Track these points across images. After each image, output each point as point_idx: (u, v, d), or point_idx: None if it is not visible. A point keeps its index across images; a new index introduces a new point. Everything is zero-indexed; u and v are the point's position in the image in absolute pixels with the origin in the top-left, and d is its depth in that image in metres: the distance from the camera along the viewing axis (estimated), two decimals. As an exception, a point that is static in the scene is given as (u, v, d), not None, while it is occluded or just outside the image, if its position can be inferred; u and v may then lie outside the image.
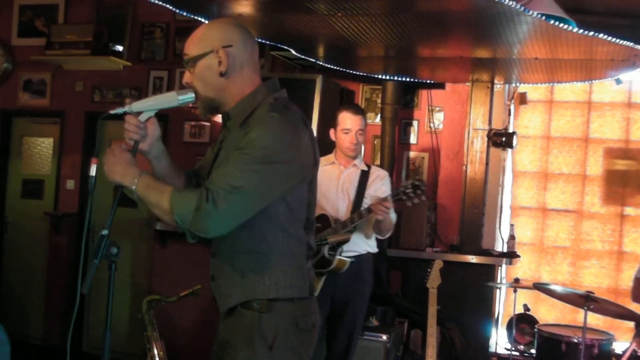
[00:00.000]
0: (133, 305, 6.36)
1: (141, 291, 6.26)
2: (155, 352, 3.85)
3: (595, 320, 5.10)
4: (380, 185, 4.35)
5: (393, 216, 4.28)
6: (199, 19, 4.53)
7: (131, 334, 6.26)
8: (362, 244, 4.32)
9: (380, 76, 5.74)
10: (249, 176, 2.17)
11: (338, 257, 4.12)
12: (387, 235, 4.38)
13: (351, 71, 5.73)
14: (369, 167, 4.45)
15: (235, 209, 2.18)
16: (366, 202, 4.23)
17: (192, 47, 2.37)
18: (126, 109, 2.32)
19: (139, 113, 2.33)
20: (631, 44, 4.25)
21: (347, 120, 4.31)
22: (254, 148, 2.19)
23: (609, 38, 4.15)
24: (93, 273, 2.13)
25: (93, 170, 2.27)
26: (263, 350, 2.27)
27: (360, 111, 4.41)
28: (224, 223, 2.19)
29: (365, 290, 4.39)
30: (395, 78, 5.70)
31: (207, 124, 6.34)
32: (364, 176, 4.35)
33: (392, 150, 5.78)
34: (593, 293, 4.10)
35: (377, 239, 4.45)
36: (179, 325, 6.05)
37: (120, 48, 6.52)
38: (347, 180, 4.35)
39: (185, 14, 4.57)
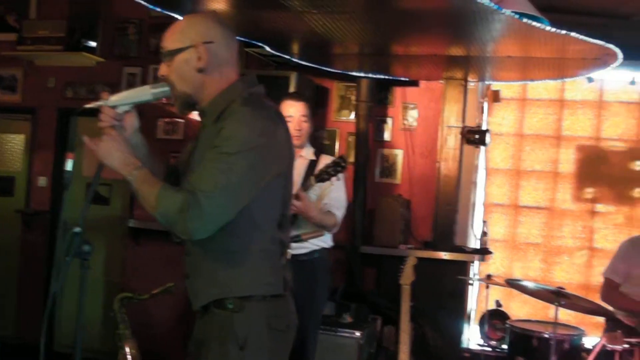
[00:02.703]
0: (106, 303, 6.30)
1: (115, 289, 6.20)
2: (128, 350, 3.83)
3: (566, 315, 5.14)
4: None
5: (339, 211, 4.12)
6: (173, 15, 4.51)
7: (104, 332, 6.22)
8: (314, 240, 4.13)
9: (354, 73, 5.75)
10: (228, 174, 2.16)
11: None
12: (334, 231, 4.19)
13: (326, 68, 5.73)
14: (317, 156, 4.28)
15: (220, 210, 2.17)
16: (316, 191, 4.07)
17: (171, 40, 2.34)
18: (101, 102, 2.31)
19: (115, 107, 2.32)
20: (603, 42, 4.30)
21: (289, 107, 4.12)
22: (229, 143, 2.18)
23: (581, 37, 4.19)
24: (65, 271, 2.12)
25: (69, 165, 2.25)
26: (234, 351, 2.25)
27: (302, 98, 4.28)
28: (209, 225, 2.18)
29: (318, 287, 4.26)
30: (370, 75, 5.72)
31: (182, 120, 6.31)
32: (312, 166, 4.18)
33: (366, 148, 5.79)
34: (564, 289, 4.14)
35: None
36: (152, 323, 6.01)
37: (93, 44, 6.45)
38: (295, 173, 4.20)
39: (159, 10, 4.54)
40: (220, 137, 2.20)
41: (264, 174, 2.26)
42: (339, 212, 4.14)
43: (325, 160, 4.20)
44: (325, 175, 3.90)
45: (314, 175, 3.92)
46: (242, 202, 2.22)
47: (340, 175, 3.95)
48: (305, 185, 3.91)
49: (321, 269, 4.26)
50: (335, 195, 4.15)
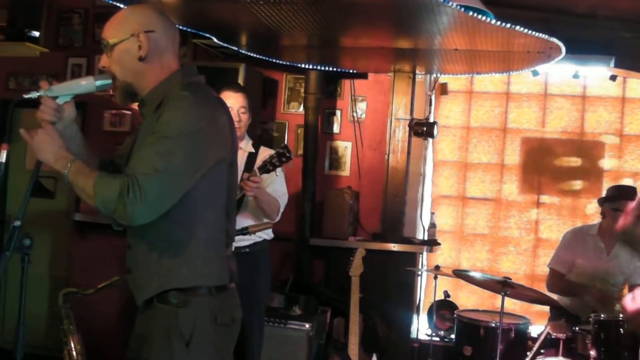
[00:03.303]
0: (51, 298, 6.19)
1: (60, 284, 6.09)
2: (72, 345, 3.76)
3: (512, 305, 5.25)
4: None
5: (282, 198, 4.12)
6: (119, 5, 4.43)
7: (50, 328, 6.11)
8: None
9: (303, 65, 5.74)
10: (168, 157, 2.14)
11: None
12: (277, 219, 4.15)
13: (274, 60, 5.70)
14: (257, 148, 4.26)
15: (159, 192, 2.15)
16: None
17: (111, 30, 2.34)
18: (41, 92, 2.28)
19: (55, 97, 2.29)
20: (547, 36, 4.37)
21: (228, 98, 4.01)
22: (168, 128, 2.17)
23: (526, 30, 4.26)
24: (4, 265, 2.07)
25: (3, 157, 2.20)
26: (180, 347, 2.23)
27: (241, 89, 4.25)
28: (149, 209, 2.15)
29: (261, 279, 4.25)
30: (319, 68, 5.71)
31: (128, 112, 6.21)
32: (252, 158, 4.17)
33: (315, 140, 5.79)
34: (510, 279, 4.21)
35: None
36: (97, 318, 5.92)
37: (36, 34, 6.30)
38: None
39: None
40: (160, 122, 2.20)
41: (204, 158, 2.24)
42: (282, 201, 4.14)
43: (265, 152, 4.19)
44: (269, 167, 3.86)
45: (258, 167, 3.88)
46: (183, 186, 2.20)
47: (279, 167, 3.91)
48: (253, 173, 3.86)
49: (263, 261, 4.26)
50: (278, 187, 4.14)
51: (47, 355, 5.65)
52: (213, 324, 2.30)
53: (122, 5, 4.42)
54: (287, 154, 3.87)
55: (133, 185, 2.10)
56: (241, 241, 4.03)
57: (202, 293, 2.29)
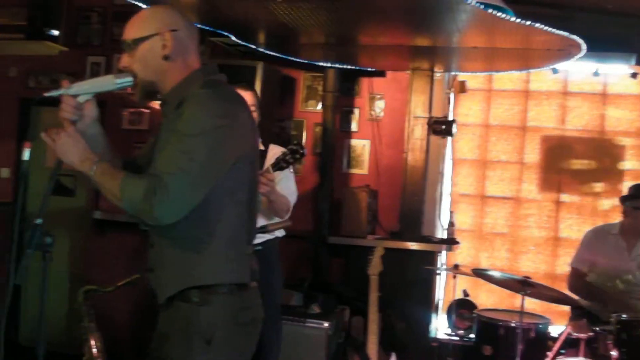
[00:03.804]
0: (71, 295, 6.23)
1: (79, 282, 6.12)
2: (92, 343, 3.78)
3: (532, 304, 5.19)
4: None
5: (292, 196, 4.11)
6: (137, 3, 4.44)
7: (69, 326, 6.14)
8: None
9: (321, 64, 5.73)
10: (192, 156, 2.15)
11: None
12: (286, 217, 4.13)
13: (292, 58, 5.70)
14: (266, 146, 4.25)
15: (185, 191, 2.15)
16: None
17: (134, 29, 2.34)
18: (62, 91, 2.28)
19: (76, 95, 2.29)
20: (567, 34, 4.33)
21: None
22: (191, 126, 2.17)
23: (546, 28, 4.22)
24: (26, 263, 2.08)
25: (27, 155, 2.21)
26: (200, 345, 2.23)
27: (251, 87, 4.24)
28: (176, 208, 2.16)
29: (274, 276, 4.22)
30: (337, 65, 5.70)
31: (147, 110, 6.23)
32: (261, 156, 4.08)
33: (333, 138, 5.79)
34: (530, 278, 4.18)
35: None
36: (117, 316, 5.95)
37: (55, 33, 6.33)
38: None
39: (122, -2, 4.48)
40: (182, 120, 2.20)
41: (227, 155, 2.24)
42: (292, 200, 4.12)
43: (274, 149, 4.19)
44: (283, 163, 3.84)
45: (272, 164, 3.85)
46: (208, 183, 2.20)
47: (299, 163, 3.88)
48: (267, 170, 3.82)
49: (275, 258, 4.25)
50: (288, 184, 4.12)
51: (67, 352, 5.69)
52: (234, 322, 2.29)
53: (140, 4, 4.44)
54: (301, 151, 3.84)
55: (159, 185, 2.11)
56: (256, 238, 4.01)
57: (223, 291, 2.28)
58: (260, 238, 4.08)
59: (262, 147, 4.19)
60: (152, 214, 2.13)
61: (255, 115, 4.13)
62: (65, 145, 2.25)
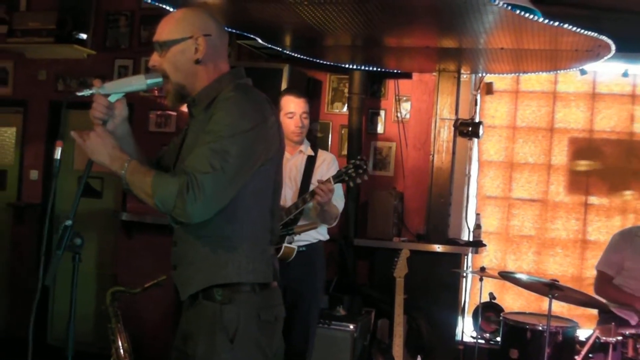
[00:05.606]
0: (99, 296, 6.29)
1: (107, 283, 6.19)
2: (120, 343, 3.82)
3: (559, 308, 5.16)
4: (326, 169, 4.21)
5: (340, 203, 4.16)
6: (165, 7, 4.48)
7: (97, 326, 6.20)
8: (312, 232, 4.18)
9: (347, 66, 5.73)
10: (224, 156, 2.17)
11: (285, 244, 3.97)
12: (334, 224, 4.21)
13: (318, 61, 5.71)
14: (315, 151, 4.31)
15: (217, 191, 2.17)
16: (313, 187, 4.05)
17: (167, 31, 2.36)
18: (93, 90, 2.30)
19: (107, 95, 2.32)
20: (595, 34, 4.29)
21: (291, 103, 4.15)
22: (222, 127, 2.20)
23: (574, 28, 4.18)
24: (56, 264, 2.10)
25: (58, 154, 2.24)
26: (224, 343, 2.25)
27: (302, 94, 4.29)
28: (207, 207, 2.18)
29: (318, 279, 4.29)
30: (363, 67, 5.70)
31: (173, 113, 6.29)
32: (311, 162, 4.22)
33: (359, 140, 5.78)
34: (557, 281, 4.14)
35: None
36: (144, 317, 6.00)
37: (84, 36, 6.41)
38: (293, 168, 4.21)
39: (150, 1, 4.51)
40: (213, 121, 2.22)
41: (257, 157, 2.27)
42: (340, 206, 4.18)
43: (324, 155, 4.28)
44: (345, 177, 3.88)
45: (333, 176, 3.89)
46: (238, 184, 2.23)
47: (361, 178, 3.91)
48: (327, 180, 3.88)
49: (319, 261, 4.29)
50: (338, 192, 4.16)
51: (95, 353, 5.75)
52: (257, 321, 2.31)
53: (167, 7, 4.47)
54: (364, 167, 3.86)
55: (192, 183, 2.13)
56: (300, 241, 4.09)
57: (246, 290, 2.31)
58: (304, 241, 4.15)
59: (312, 153, 4.23)
60: (184, 212, 2.15)
61: (307, 122, 4.20)
62: (95, 145, 2.28)
